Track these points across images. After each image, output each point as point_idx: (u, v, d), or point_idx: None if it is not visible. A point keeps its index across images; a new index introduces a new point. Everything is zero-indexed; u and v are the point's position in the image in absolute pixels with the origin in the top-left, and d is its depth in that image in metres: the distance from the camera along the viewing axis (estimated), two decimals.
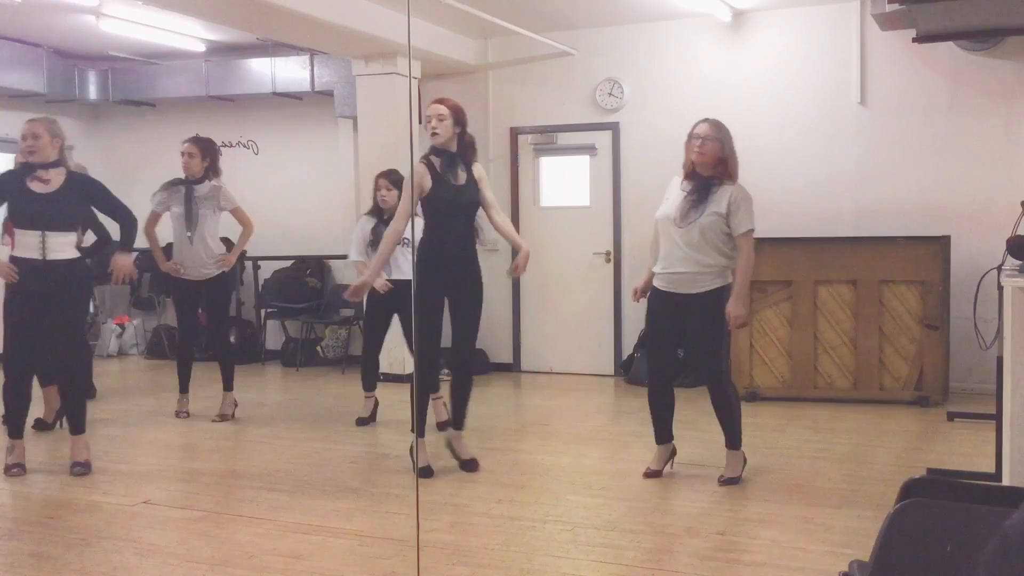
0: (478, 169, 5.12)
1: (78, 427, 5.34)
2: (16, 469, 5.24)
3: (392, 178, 6.19)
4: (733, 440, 4.91)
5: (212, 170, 6.55)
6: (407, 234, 5.76)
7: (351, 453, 5.73)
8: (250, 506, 4.62)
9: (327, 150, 9.43)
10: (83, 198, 5.32)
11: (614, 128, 8.36)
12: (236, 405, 6.76)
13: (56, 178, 5.19)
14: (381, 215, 6.15)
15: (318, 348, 9.42)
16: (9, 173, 5.34)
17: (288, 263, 9.57)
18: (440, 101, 5.05)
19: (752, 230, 4.80)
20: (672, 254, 4.81)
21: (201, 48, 9.30)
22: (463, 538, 4.09)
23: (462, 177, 5.03)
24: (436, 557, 3.80)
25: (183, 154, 6.48)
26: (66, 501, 4.85)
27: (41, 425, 6.32)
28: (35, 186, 5.16)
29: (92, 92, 9.92)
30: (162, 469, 5.51)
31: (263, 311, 9.71)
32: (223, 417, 6.63)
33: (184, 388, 6.78)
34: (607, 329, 8.50)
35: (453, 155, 5.02)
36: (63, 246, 5.18)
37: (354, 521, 4.34)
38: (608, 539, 4.04)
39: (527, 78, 8.57)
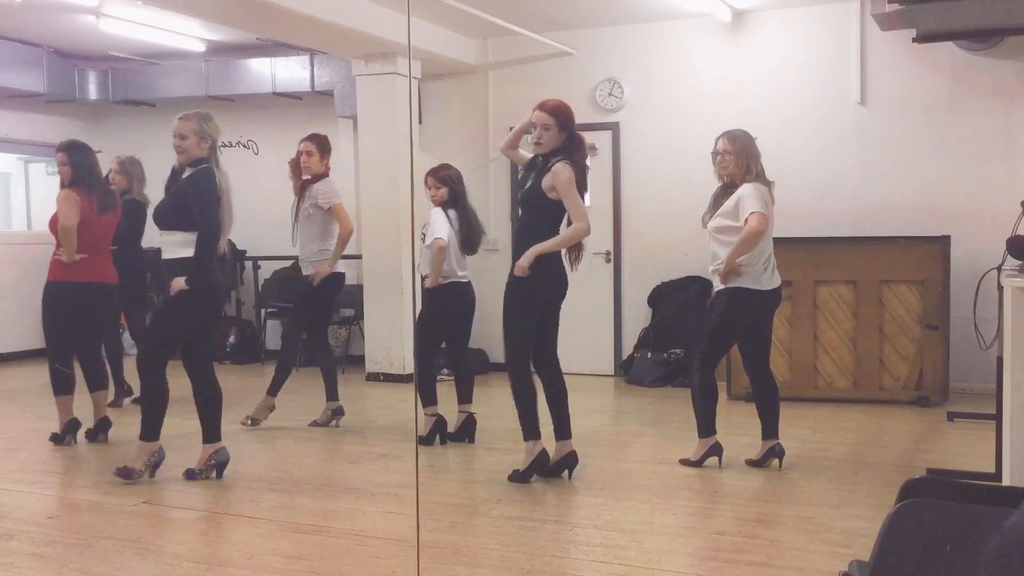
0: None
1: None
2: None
3: (439, 176, 5.94)
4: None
5: None
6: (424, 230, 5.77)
7: (351, 453, 5.74)
8: (250, 506, 4.62)
9: None
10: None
11: (614, 128, 8.35)
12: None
13: None
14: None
15: None
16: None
17: (288, 263, 9.55)
18: (541, 106, 4.79)
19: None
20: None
21: (201, 48, 9.30)
22: (463, 538, 4.09)
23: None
24: (436, 557, 3.80)
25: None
26: (66, 501, 4.86)
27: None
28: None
29: (92, 92, 9.93)
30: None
31: (263, 311, 9.71)
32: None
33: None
34: (607, 329, 8.50)
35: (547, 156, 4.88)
36: None
37: (354, 521, 4.34)
38: (608, 539, 4.04)
39: (527, 78, 8.56)
